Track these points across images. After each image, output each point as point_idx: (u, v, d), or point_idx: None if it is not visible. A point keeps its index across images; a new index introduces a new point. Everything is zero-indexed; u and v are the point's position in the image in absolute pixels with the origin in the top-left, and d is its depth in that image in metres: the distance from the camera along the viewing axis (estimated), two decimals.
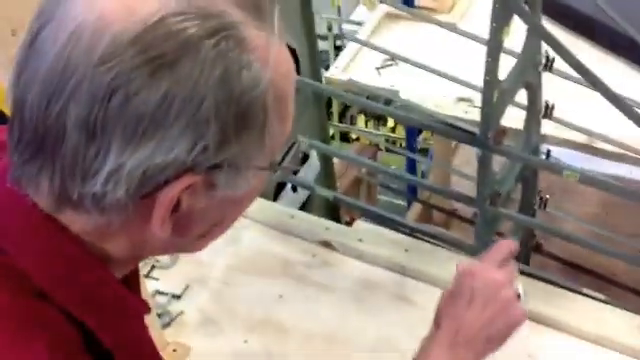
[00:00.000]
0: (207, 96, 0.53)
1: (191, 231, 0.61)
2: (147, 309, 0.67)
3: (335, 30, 4.32)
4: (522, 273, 1.47)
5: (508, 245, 0.90)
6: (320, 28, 3.99)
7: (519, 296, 0.85)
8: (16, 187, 0.58)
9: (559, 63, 1.38)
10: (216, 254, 1.57)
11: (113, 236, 0.59)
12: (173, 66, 0.52)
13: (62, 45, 0.53)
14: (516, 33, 1.33)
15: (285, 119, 0.60)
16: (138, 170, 0.54)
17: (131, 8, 0.52)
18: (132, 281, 0.68)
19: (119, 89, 0.52)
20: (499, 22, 1.21)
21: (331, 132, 4.31)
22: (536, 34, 1.31)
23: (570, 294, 1.41)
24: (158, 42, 0.52)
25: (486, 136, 1.33)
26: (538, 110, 1.50)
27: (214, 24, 0.54)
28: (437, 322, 0.87)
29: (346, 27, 4.29)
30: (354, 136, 4.41)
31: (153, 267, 1.54)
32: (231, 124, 0.55)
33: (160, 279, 1.52)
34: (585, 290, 1.44)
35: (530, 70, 1.41)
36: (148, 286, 1.42)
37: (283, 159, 0.68)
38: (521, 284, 0.86)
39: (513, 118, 1.55)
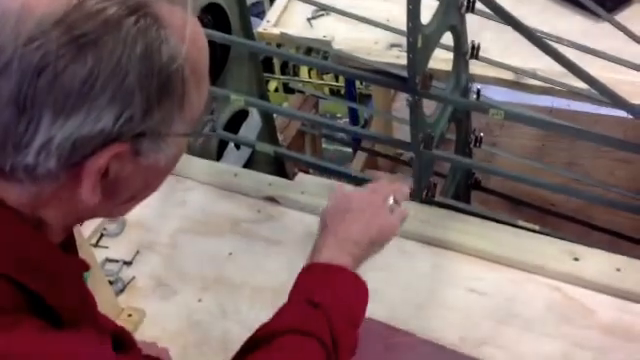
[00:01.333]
0: (130, 71, 0.58)
1: (119, 195, 0.66)
2: (86, 267, 0.72)
3: None
4: (463, 212, 1.53)
5: (383, 176, 1.03)
6: None
7: (393, 208, 1.03)
8: None
9: (481, 3, 1.41)
10: (164, 218, 1.59)
11: (47, 204, 0.63)
12: (97, 44, 0.56)
13: None
14: None
15: (201, 89, 0.65)
16: (68, 141, 0.58)
17: None
18: (69, 243, 0.72)
19: (47, 67, 0.56)
20: None
21: (274, 85, 4.32)
22: None
23: (506, 227, 1.47)
24: (81, 22, 0.56)
25: (414, 81, 1.36)
26: (464, 52, 1.53)
27: (131, 3, 0.58)
28: (322, 227, 1.01)
29: None
30: (297, 87, 4.41)
31: (102, 235, 1.55)
32: (153, 95, 0.60)
33: (110, 247, 1.54)
34: (521, 222, 1.50)
35: (453, 13, 1.44)
36: (98, 255, 1.44)
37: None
38: (392, 199, 1.04)
39: (442, 60, 1.59)
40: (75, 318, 0.68)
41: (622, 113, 1.40)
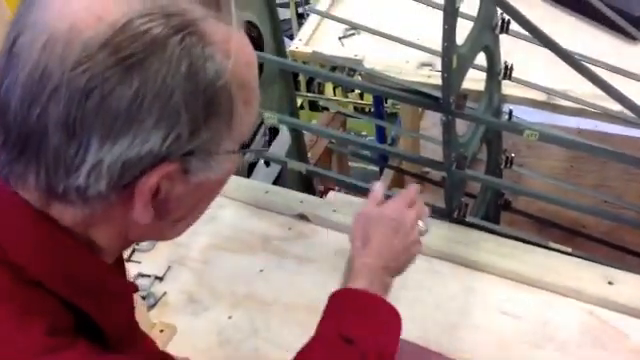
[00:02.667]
0: (175, 90, 0.58)
1: (170, 215, 0.65)
2: (135, 289, 0.73)
3: None
4: (493, 232, 1.53)
5: (415, 189, 1.07)
6: None
7: (423, 232, 1.05)
8: (5, 184, 0.62)
9: (516, 24, 1.41)
10: (195, 234, 1.60)
11: (99, 225, 0.64)
12: (142, 64, 0.56)
13: (37, 54, 0.57)
14: None
15: (250, 104, 0.65)
16: (117, 163, 0.58)
17: (99, 16, 0.56)
18: (119, 265, 0.74)
19: (94, 90, 0.56)
20: None
21: (299, 101, 4.34)
22: None
23: (537, 249, 1.46)
24: (127, 43, 0.56)
25: (448, 101, 1.36)
26: (497, 72, 1.53)
27: (177, 22, 0.58)
28: (354, 247, 1.01)
29: None
30: (323, 104, 4.44)
31: (134, 251, 1.57)
32: (200, 114, 0.59)
33: (142, 262, 1.55)
34: (552, 244, 1.49)
35: (487, 33, 1.44)
36: (131, 270, 1.45)
37: (252, 140, 0.71)
38: (424, 221, 1.05)
39: (475, 81, 1.58)
40: (121, 339, 0.69)
41: None
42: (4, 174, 0.62)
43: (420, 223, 1.04)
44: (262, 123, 1.48)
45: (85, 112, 0.56)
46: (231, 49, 0.61)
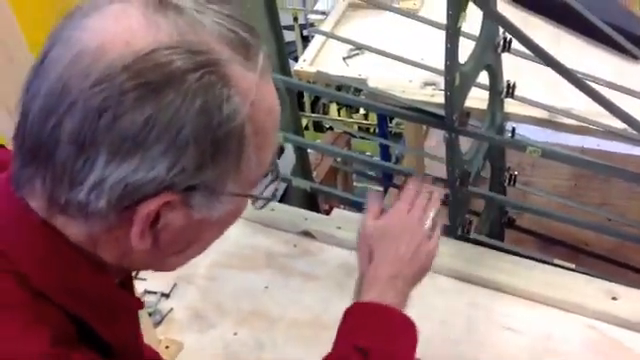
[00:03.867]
0: (186, 124, 0.59)
1: (169, 246, 0.66)
2: (141, 305, 0.74)
3: (301, 20, 4.37)
4: (498, 249, 1.54)
5: (414, 185, 1.06)
6: (286, 19, 4.04)
7: (435, 225, 1.01)
8: (15, 188, 0.64)
9: (517, 43, 1.43)
10: None
11: (101, 244, 0.65)
12: (158, 93, 0.58)
13: (63, 67, 0.59)
14: (475, 15, 1.38)
15: (264, 150, 0.65)
16: (120, 184, 0.60)
17: (128, 41, 0.59)
18: (127, 282, 0.74)
19: (108, 109, 0.58)
20: (455, 9, 1.26)
21: (304, 122, 4.37)
22: (491, 18, 1.36)
23: (542, 265, 1.47)
24: (147, 71, 0.58)
25: (451, 119, 1.38)
26: (500, 90, 1.55)
27: (200, 59, 0.59)
28: (363, 257, 1.00)
29: (312, 17, 4.35)
30: (327, 124, 4.45)
31: (135, 271, 1.58)
32: (207, 151, 0.60)
33: (148, 279, 1.56)
34: (556, 261, 1.50)
35: (489, 52, 1.46)
36: (138, 286, 1.46)
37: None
38: (434, 212, 1.02)
39: (477, 99, 1.60)
40: (125, 352, 0.70)
41: None
42: (15, 178, 0.63)
43: (428, 221, 1.01)
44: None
45: (96, 129, 0.58)
46: (251, 94, 0.62)
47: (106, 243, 0.65)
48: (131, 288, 0.77)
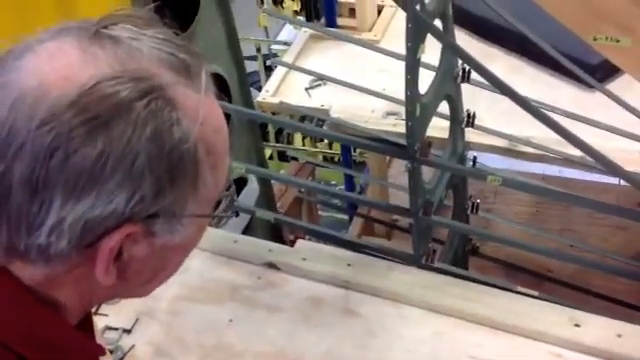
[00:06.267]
0: (140, 152, 0.58)
1: (135, 277, 0.65)
2: (103, 352, 0.71)
3: (264, 50, 4.39)
4: (461, 277, 1.54)
5: None
6: (249, 49, 4.06)
7: None
8: None
9: (476, 73, 1.45)
10: (163, 285, 1.58)
11: (61, 285, 0.63)
12: (107, 126, 0.57)
13: (7, 111, 0.58)
14: (435, 46, 1.40)
15: (217, 169, 0.65)
16: (79, 222, 0.58)
17: (67, 77, 0.58)
18: (86, 325, 0.72)
19: (59, 148, 0.56)
20: (414, 41, 1.28)
21: (269, 152, 4.36)
22: (449, 49, 1.38)
23: (505, 293, 1.48)
24: (93, 105, 0.57)
25: (413, 148, 1.39)
26: (460, 120, 1.57)
27: (144, 86, 0.59)
28: None
29: (275, 47, 4.37)
30: (292, 154, 4.45)
31: (101, 303, 1.55)
32: (164, 176, 0.60)
33: (109, 315, 1.53)
34: (519, 288, 1.51)
35: (449, 82, 1.48)
36: (98, 322, 1.43)
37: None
38: None
39: (439, 128, 1.62)
40: None
41: (612, 180, 1.43)
42: None
43: None
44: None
45: (48, 170, 0.57)
46: (199, 115, 0.61)
47: (67, 283, 0.63)
48: (91, 329, 0.75)
